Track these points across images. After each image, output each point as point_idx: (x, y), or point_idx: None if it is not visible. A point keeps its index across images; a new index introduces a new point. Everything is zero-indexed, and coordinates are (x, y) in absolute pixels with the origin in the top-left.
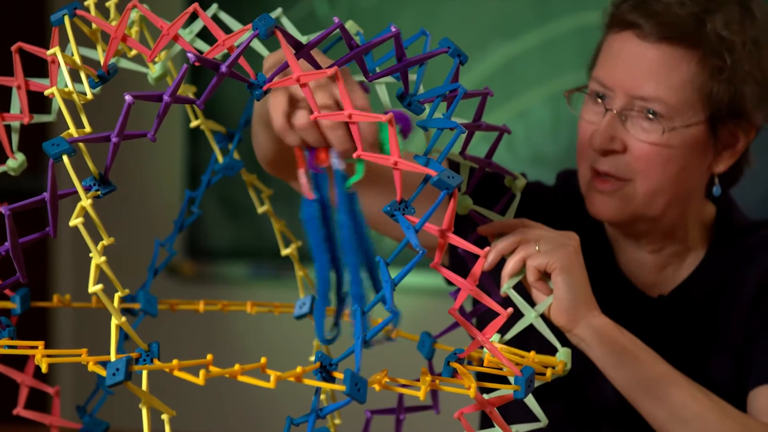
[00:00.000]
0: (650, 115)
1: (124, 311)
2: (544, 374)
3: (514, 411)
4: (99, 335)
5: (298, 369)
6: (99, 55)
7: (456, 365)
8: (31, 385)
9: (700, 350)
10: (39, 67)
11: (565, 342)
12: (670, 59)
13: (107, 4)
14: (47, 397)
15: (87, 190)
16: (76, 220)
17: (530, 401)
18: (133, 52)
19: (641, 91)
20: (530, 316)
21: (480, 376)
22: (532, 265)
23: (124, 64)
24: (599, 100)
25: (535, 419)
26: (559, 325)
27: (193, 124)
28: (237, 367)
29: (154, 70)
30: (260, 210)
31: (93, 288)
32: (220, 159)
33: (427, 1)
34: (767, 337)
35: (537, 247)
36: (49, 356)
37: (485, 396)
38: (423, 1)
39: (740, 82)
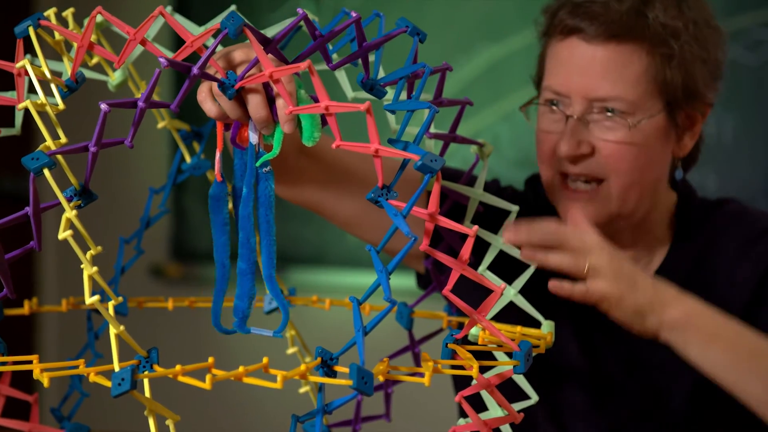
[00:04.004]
0: (611, 114)
1: (94, 311)
2: (537, 346)
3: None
4: (82, 335)
5: (302, 367)
6: (65, 64)
7: (455, 347)
8: (7, 394)
9: None
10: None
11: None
12: (620, 56)
13: (64, 14)
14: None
15: (68, 200)
16: (64, 233)
17: (519, 378)
18: (94, 60)
19: (598, 92)
20: (509, 294)
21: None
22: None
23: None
24: (555, 108)
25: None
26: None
27: (160, 125)
28: (241, 369)
29: (114, 78)
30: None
31: (89, 300)
32: (188, 158)
33: (412, 3)
34: None
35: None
36: (47, 370)
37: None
38: (408, 3)
39: (690, 64)
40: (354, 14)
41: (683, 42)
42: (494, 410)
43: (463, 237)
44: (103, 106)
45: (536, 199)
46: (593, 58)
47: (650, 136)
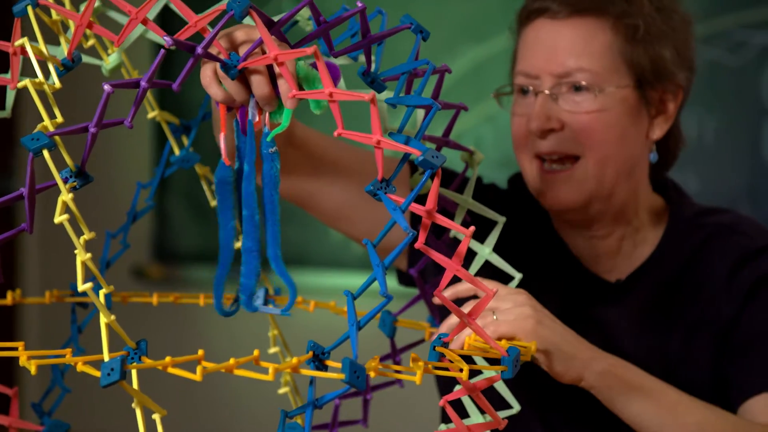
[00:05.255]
0: (581, 83)
1: (78, 305)
2: (524, 354)
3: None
4: (64, 329)
5: (294, 360)
6: (62, 44)
7: (444, 350)
8: None
9: (667, 333)
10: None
11: None
12: (584, 31)
13: None
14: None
15: (64, 182)
16: (61, 217)
17: (502, 388)
18: (89, 43)
19: (565, 67)
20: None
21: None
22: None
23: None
24: (529, 89)
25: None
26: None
27: (150, 115)
28: (232, 361)
29: (108, 62)
30: (213, 203)
31: (82, 287)
32: (177, 151)
33: (395, 4)
34: (745, 349)
35: (495, 317)
36: (34, 357)
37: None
38: (392, 3)
39: (656, 41)
40: (360, 4)
41: (647, 17)
42: (475, 417)
43: (449, 246)
44: (107, 87)
45: (519, 197)
46: (558, 34)
47: (619, 107)
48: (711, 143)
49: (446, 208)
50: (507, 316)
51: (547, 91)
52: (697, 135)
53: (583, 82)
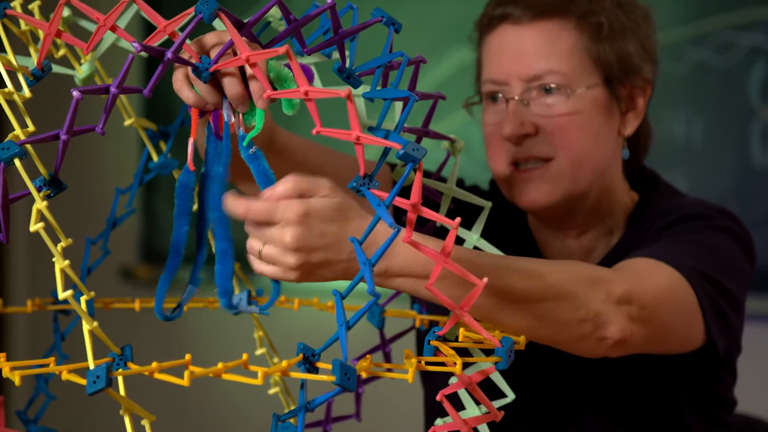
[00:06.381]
0: (549, 92)
1: (61, 312)
2: (517, 343)
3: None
4: (51, 338)
5: (284, 363)
6: (32, 54)
7: (438, 343)
8: None
9: None
10: None
11: None
12: (549, 33)
13: (30, 6)
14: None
15: (38, 190)
16: (36, 226)
17: (496, 377)
18: (61, 52)
19: (534, 70)
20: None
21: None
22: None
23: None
24: (499, 96)
25: None
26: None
27: (127, 122)
28: (220, 365)
29: (80, 71)
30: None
31: (63, 294)
32: (155, 157)
33: (382, 6)
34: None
35: (260, 248)
36: (18, 368)
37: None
38: (380, 3)
39: (620, 37)
40: (329, 0)
41: (609, 13)
42: (470, 408)
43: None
44: (75, 93)
45: (499, 199)
46: (524, 38)
47: (591, 107)
48: (699, 144)
49: (429, 198)
50: (275, 254)
51: (517, 97)
52: (685, 136)
53: (553, 84)
